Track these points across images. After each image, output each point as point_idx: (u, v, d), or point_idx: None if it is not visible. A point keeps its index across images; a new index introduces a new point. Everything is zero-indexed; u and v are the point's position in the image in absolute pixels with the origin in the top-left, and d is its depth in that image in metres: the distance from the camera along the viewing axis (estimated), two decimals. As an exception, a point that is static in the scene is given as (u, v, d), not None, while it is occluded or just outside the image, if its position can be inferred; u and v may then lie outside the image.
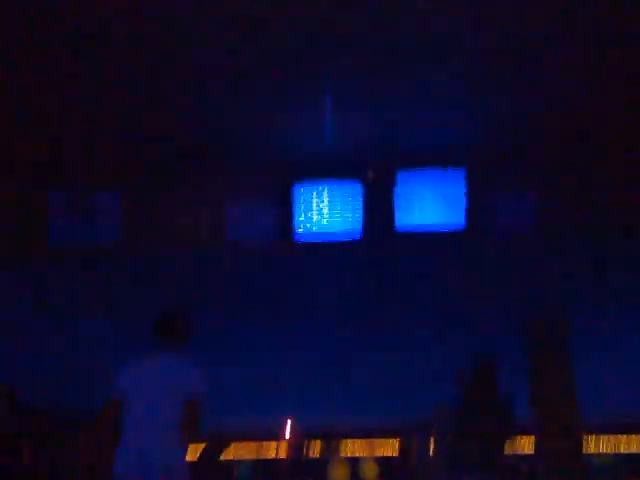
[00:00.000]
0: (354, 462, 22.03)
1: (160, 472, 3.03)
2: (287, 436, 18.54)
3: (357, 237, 5.38)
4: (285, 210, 5.21)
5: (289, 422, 17.43)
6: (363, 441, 21.47)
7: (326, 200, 5.30)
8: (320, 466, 22.41)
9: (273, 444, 21.12)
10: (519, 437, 6.51)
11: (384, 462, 22.09)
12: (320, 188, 5.30)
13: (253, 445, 20.24)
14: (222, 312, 7.42)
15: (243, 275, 6.23)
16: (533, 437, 7.30)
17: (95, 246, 5.38)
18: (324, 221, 5.27)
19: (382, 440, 21.47)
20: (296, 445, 20.90)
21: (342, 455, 21.88)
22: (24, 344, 8.45)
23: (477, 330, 8.52)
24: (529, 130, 5.04)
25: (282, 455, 20.85)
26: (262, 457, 20.93)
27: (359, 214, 5.29)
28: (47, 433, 13.51)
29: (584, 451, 6.94)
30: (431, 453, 15.86)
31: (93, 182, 5.20)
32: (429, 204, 5.21)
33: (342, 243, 5.37)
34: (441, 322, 8.14)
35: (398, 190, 5.19)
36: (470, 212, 5.21)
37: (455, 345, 9.08)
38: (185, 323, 3.68)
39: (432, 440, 15.28)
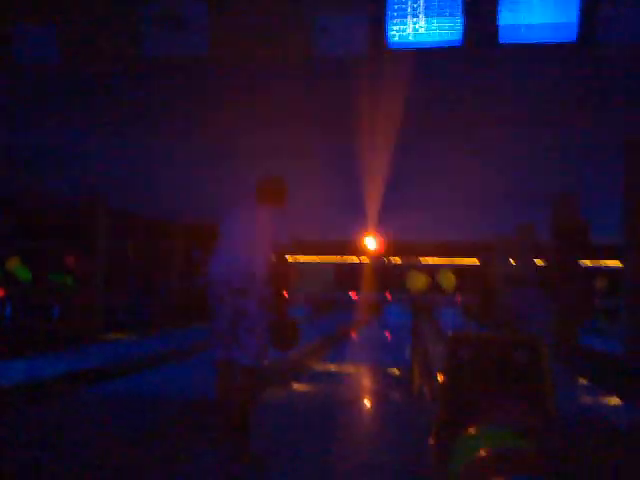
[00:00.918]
0: (433, 271, 23.23)
1: (245, 277, 3.90)
2: (370, 246, 19.94)
3: (456, 44, 4.87)
4: (378, 16, 4.78)
5: (372, 234, 18.31)
6: (443, 254, 22.99)
7: (422, 4, 4.77)
8: (400, 274, 23.67)
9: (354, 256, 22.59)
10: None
11: (463, 273, 23.07)
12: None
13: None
14: (308, 128, 7.21)
15: (331, 88, 5.86)
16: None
17: (185, 57, 5.20)
18: (420, 27, 4.75)
19: (462, 255, 22.83)
20: (377, 256, 22.74)
21: (422, 264, 23.53)
22: (117, 153, 8.71)
23: (576, 154, 8.08)
24: None
25: (364, 261, 22.42)
26: (345, 262, 22.49)
27: (459, 20, 4.73)
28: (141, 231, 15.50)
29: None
30: (512, 264, 16.60)
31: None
32: (537, 14, 4.56)
33: (439, 51, 4.86)
34: (540, 143, 7.65)
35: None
36: (583, 22, 4.56)
37: (547, 167, 8.62)
38: (281, 189, 4.36)
39: (512, 255, 15.77)
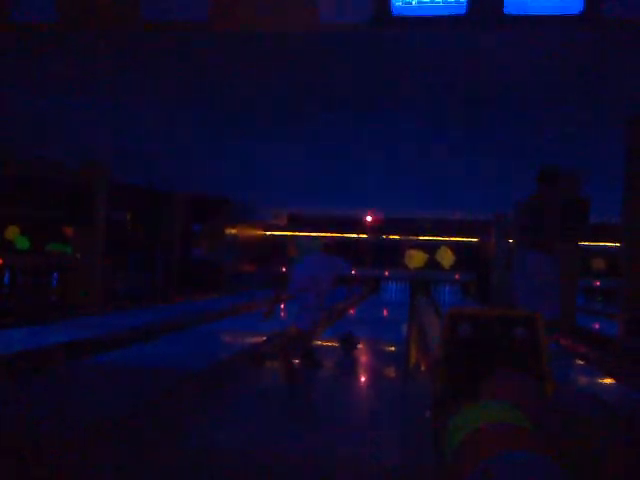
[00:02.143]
0: (431, 249, 23.38)
1: (308, 279, 6.15)
2: (368, 220, 20.22)
3: (460, 13, 4.85)
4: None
5: (370, 211, 18.50)
6: (440, 232, 23.36)
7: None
8: (398, 250, 23.80)
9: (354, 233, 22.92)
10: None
11: (461, 249, 23.21)
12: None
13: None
14: (310, 101, 7.19)
15: (334, 57, 5.80)
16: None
17: (185, 22, 5.14)
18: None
19: (461, 233, 23.15)
20: (375, 230, 23.29)
21: (420, 240, 23.70)
22: (117, 121, 8.60)
23: (577, 131, 8.02)
24: None
25: (362, 236, 22.78)
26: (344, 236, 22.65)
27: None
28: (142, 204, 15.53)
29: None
30: (510, 240, 16.67)
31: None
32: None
33: (444, 20, 4.81)
34: (541, 119, 7.60)
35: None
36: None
37: (547, 145, 8.57)
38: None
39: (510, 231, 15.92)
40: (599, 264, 20.68)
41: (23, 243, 12.77)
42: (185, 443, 3.59)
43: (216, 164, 11.82)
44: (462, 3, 4.81)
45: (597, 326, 11.98)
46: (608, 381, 6.49)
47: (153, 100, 7.56)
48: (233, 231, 18.82)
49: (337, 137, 8.85)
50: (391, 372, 6.57)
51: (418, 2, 4.81)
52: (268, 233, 22.26)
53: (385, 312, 14.97)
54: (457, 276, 21.51)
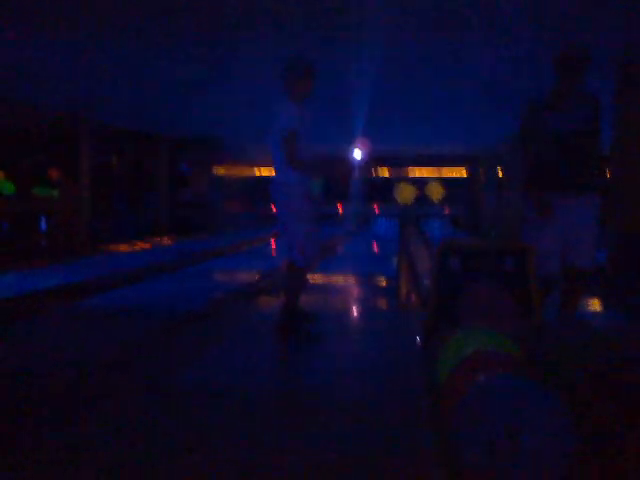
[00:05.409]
0: (421, 183, 23.39)
1: (281, 186, 4.31)
2: (358, 157, 19.94)
3: None
4: None
5: (360, 144, 18.40)
6: (430, 167, 23.26)
7: None
8: (388, 186, 23.67)
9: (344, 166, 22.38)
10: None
11: (450, 184, 23.20)
12: None
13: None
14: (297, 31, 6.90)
15: None
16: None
17: None
18: None
19: (449, 167, 23.08)
20: (366, 167, 22.78)
21: (409, 176, 23.72)
22: (99, 60, 8.30)
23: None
24: None
25: (352, 176, 22.49)
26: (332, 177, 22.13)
27: None
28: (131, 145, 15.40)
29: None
30: (500, 175, 16.43)
31: None
32: None
33: None
34: (523, 51, 7.50)
35: None
36: None
37: (532, 79, 8.49)
38: (311, 73, 4.36)
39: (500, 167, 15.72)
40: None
41: (8, 188, 12.63)
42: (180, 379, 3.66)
43: (202, 103, 11.62)
44: None
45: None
46: (595, 306, 6.63)
47: (135, 38, 7.37)
48: (221, 171, 18.68)
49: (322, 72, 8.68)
50: (383, 304, 6.67)
51: None
52: (257, 173, 22.09)
53: (375, 247, 15.07)
54: (447, 210, 21.61)
